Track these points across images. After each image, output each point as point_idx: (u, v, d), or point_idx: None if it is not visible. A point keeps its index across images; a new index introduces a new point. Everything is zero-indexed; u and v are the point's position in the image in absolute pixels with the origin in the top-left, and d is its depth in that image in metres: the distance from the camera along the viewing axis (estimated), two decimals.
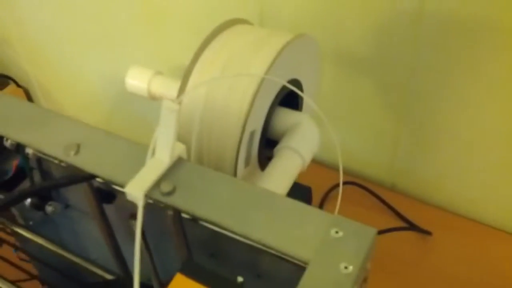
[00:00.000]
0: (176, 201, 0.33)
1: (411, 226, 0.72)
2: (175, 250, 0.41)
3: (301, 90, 0.50)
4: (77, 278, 0.56)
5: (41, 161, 0.44)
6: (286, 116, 0.46)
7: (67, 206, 0.51)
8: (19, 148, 0.43)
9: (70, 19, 0.98)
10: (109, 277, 0.53)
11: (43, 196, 0.48)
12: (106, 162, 0.36)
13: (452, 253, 0.69)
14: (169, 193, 0.34)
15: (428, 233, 0.71)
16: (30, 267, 0.58)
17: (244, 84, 0.42)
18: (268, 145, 0.48)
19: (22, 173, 0.48)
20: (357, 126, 0.76)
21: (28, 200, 0.48)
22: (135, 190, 0.33)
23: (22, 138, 0.40)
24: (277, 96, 0.46)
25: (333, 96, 0.73)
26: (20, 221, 0.55)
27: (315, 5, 0.65)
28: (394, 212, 0.74)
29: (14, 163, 0.48)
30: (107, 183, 0.39)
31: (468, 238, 0.70)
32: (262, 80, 0.41)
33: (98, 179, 0.38)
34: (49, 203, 0.49)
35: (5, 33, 1.16)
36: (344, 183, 0.75)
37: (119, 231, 0.46)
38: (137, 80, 0.53)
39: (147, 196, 0.34)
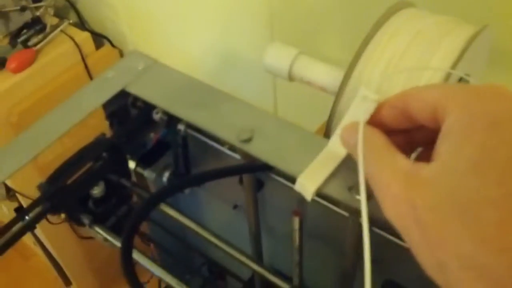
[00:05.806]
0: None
1: None
2: (334, 253, 0.37)
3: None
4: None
5: (187, 139, 0.42)
6: None
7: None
8: (170, 123, 0.41)
9: None
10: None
11: (179, 173, 0.46)
12: (280, 151, 0.33)
13: None
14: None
15: None
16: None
17: (426, 79, 0.37)
18: None
19: (160, 147, 0.46)
20: None
21: (166, 175, 0.46)
22: (307, 182, 0.29)
23: (190, 116, 0.37)
24: None
25: None
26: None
27: None
28: None
29: (153, 136, 0.46)
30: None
31: None
32: (448, 75, 0.37)
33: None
34: None
35: None
36: None
37: (263, 221, 0.43)
38: (279, 59, 0.50)
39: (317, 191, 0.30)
